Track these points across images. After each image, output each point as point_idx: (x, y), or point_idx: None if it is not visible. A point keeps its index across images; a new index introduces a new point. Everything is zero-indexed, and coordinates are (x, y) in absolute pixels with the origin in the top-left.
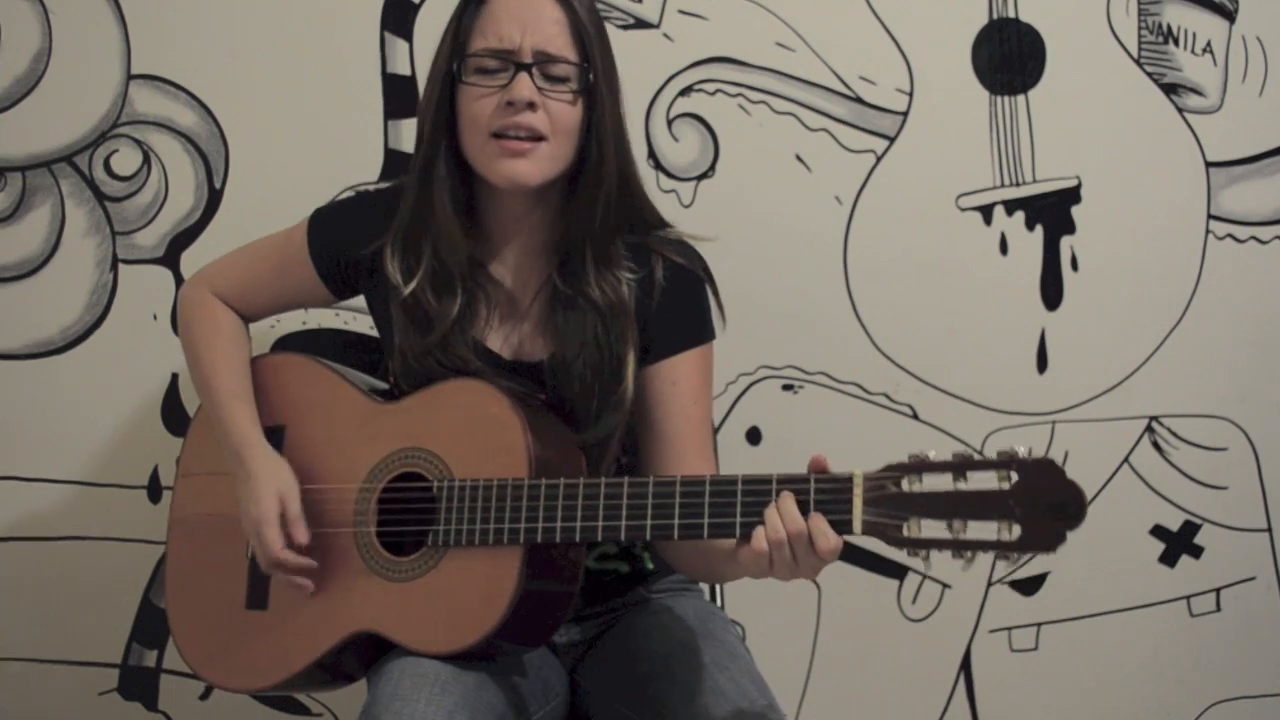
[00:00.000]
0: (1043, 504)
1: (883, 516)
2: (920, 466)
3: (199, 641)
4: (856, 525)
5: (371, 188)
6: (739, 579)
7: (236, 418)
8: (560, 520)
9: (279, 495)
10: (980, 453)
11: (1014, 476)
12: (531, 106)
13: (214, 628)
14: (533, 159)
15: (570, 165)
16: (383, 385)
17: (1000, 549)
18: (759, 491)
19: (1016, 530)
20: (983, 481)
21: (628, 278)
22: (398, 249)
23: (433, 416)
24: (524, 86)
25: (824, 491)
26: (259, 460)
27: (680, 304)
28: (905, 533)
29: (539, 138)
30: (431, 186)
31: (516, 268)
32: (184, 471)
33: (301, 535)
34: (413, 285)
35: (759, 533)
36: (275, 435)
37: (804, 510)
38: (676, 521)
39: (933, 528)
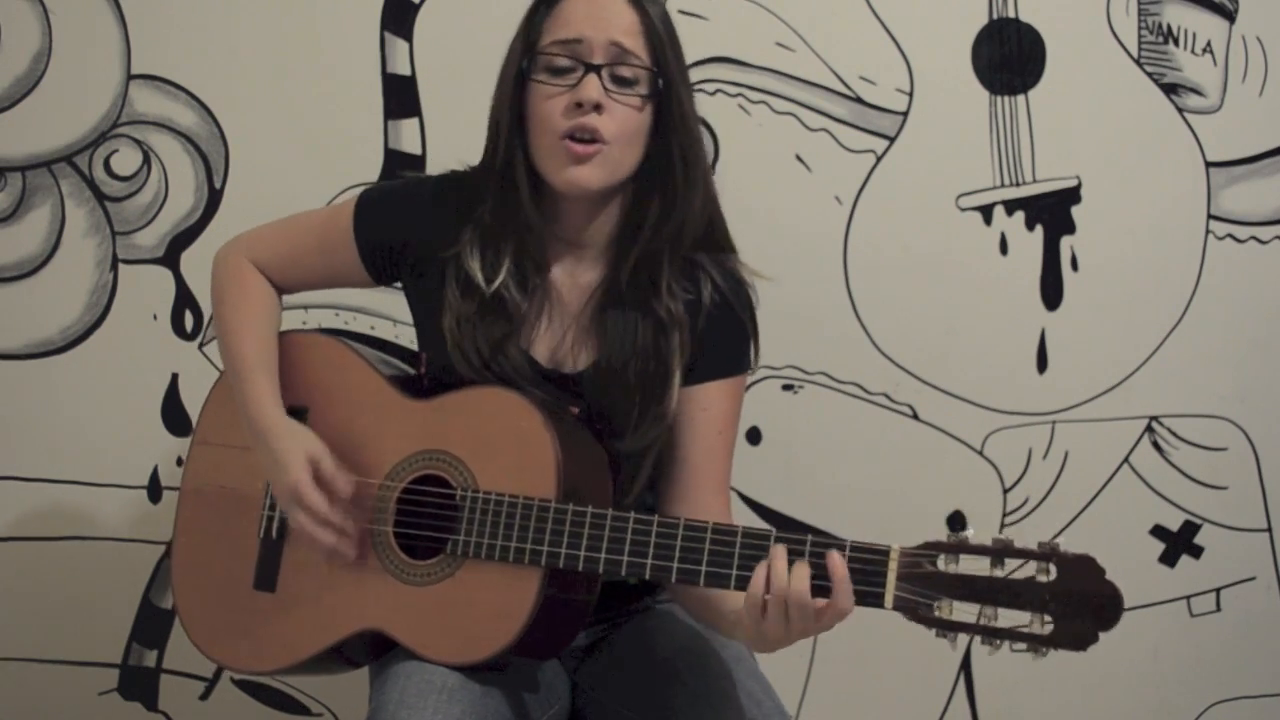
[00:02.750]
0: (1079, 602)
1: (915, 594)
2: (958, 548)
3: (203, 617)
4: (888, 599)
5: (421, 175)
6: (735, 640)
7: (257, 389)
8: (585, 549)
9: (308, 457)
10: (1017, 543)
11: (1053, 570)
12: (598, 108)
13: (219, 605)
14: (595, 164)
15: (634, 172)
16: (409, 372)
17: (1030, 641)
18: (792, 551)
19: (1049, 625)
20: (1020, 571)
21: (682, 295)
22: (476, 245)
23: (462, 421)
24: (592, 87)
25: (858, 561)
26: (278, 429)
27: (724, 332)
28: (936, 612)
29: (602, 141)
30: (515, 186)
31: (571, 272)
32: (200, 439)
33: (345, 487)
34: (497, 283)
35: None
36: (297, 417)
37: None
38: (704, 568)
39: (964, 610)
